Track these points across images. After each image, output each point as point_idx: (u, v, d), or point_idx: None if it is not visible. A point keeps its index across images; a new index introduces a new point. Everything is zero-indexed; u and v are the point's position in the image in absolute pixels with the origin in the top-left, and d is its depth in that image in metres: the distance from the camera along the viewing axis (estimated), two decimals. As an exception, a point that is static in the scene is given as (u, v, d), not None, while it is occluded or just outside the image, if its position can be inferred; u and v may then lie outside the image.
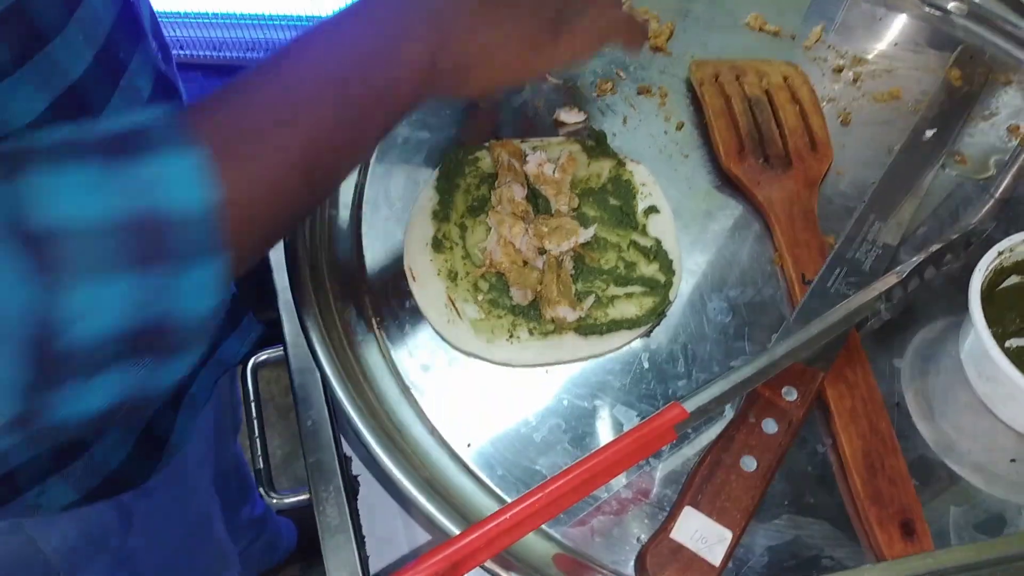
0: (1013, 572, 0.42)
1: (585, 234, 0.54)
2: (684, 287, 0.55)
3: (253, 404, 0.60)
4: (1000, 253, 0.52)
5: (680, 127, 0.63)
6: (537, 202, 0.57)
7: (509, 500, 0.47)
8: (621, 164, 0.59)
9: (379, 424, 0.48)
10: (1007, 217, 0.60)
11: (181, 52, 1.16)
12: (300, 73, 0.37)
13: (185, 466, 0.66)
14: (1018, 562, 0.42)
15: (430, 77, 0.41)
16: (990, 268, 0.52)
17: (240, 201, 0.33)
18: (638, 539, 0.46)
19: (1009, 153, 0.63)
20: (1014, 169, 0.59)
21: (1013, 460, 0.50)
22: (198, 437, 0.68)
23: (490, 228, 0.55)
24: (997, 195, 0.61)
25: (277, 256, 0.56)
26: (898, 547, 0.45)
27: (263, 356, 0.62)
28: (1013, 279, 0.55)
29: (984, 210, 0.61)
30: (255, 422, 0.59)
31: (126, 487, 0.59)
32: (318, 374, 0.53)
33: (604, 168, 0.59)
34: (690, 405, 0.45)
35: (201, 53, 1.17)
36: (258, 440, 0.58)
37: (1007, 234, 0.60)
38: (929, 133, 0.63)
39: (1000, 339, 0.53)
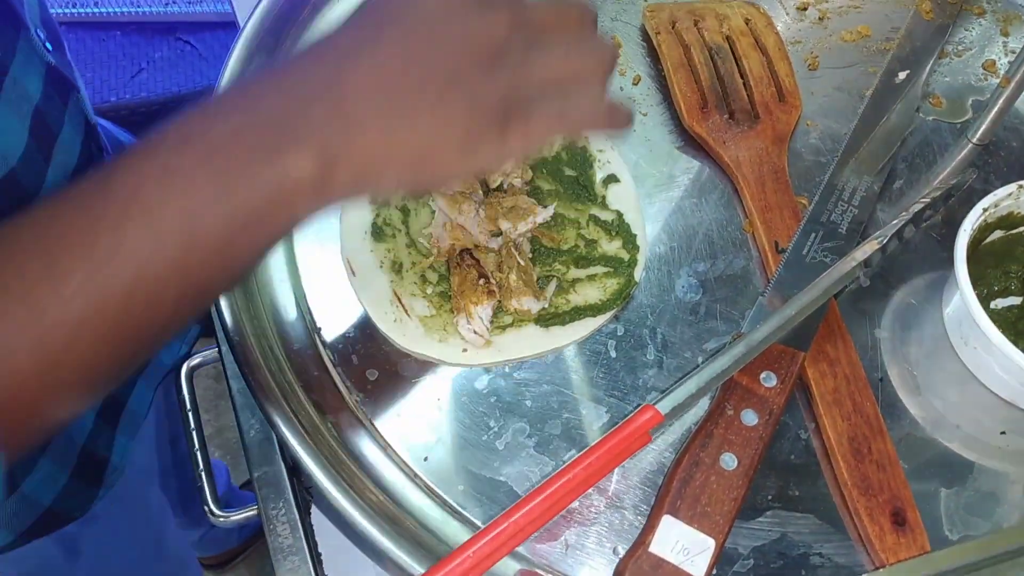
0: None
1: (544, 213, 0.49)
2: (650, 264, 0.51)
3: (191, 414, 0.55)
4: (985, 210, 0.49)
5: (637, 81, 0.58)
6: (485, 178, 0.52)
7: (472, 517, 0.43)
8: (575, 128, 0.54)
9: (321, 443, 0.44)
10: (985, 163, 0.56)
11: (61, 11, 1.05)
12: (129, 207, 0.30)
13: (131, 483, 0.61)
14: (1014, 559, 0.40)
15: (322, 191, 0.32)
16: (975, 227, 0.48)
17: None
18: (615, 551, 0.42)
19: (986, 93, 0.59)
20: (993, 112, 0.55)
21: (1003, 432, 0.47)
22: (141, 450, 0.63)
23: (435, 211, 0.50)
24: (975, 140, 0.57)
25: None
26: (890, 539, 0.42)
27: (197, 359, 0.56)
28: (997, 234, 0.52)
29: (961, 156, 0.57)
30: (194, 434, 0.54)
31: (67, 520, 0.54)
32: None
33: (556, 134, 0.54)
34: (664, 407, 0.41)
35: (82, 10, 1.05)
36: (198, 454, 0.53)
37: (987, 183, 0.56)
38: (902, 75, 0.59)
39: (985, 301, 0.50)
